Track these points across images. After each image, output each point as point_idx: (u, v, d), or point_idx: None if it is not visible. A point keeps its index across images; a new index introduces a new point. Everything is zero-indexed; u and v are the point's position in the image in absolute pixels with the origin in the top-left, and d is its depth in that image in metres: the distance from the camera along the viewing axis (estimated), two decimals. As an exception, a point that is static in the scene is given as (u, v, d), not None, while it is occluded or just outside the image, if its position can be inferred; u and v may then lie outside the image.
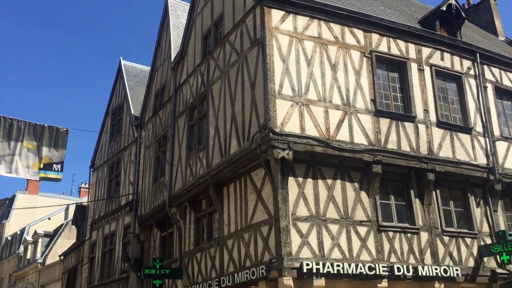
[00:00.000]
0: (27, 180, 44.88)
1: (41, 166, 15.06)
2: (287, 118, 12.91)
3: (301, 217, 12.58)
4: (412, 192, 14.35)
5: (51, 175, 15.19)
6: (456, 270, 13.81)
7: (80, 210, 28.51)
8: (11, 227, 43.63)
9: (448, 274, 13.58)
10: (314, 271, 12.00)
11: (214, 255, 14.88)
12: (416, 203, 14.31)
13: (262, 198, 13.13)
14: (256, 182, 13.54)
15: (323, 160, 13.24)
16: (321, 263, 12.15)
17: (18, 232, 39.74)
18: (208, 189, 15.15)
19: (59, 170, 15.33)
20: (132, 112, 23.46)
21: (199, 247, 15.93)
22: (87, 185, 39.05)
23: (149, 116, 22.05)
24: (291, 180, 12.75)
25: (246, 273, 12.84)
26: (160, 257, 17.64)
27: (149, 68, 24.67)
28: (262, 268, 12.29)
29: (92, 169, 26.81)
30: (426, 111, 15.19)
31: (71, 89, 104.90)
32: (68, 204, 37.69)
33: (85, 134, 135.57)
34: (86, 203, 27.43)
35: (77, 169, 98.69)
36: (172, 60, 20.24)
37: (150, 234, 20.10)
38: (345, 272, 12.33)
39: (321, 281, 12.11)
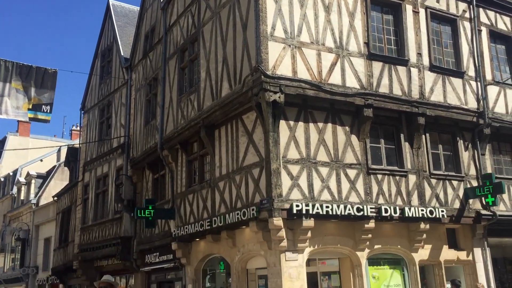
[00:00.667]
0: (18, 122, 44.65)
1: (30, 107, 14.90)
2: (279, 60, 12.77)
3: (291, 159, 12.73)
4: (402, 135, 14.49)
5: (40, 116, 15.07)
6: (442, 211, 14.18)
7: (72, 152, 28.56)
8: (4, 169, 43.76)
9: (434, 215, 13.96)
10: (304, 212, 12.29)
11: (206, 196, 15.13)
12: (406, 146, 14.48)
13: (254, 141, 13.21)
14: (247, 125, 13.57)
15: (315, 103, 13.24)
16: (310, 204, 12.42)
17: (11, 174, 39.92)
18: (199, 132, 15.19)
19: (48, 111, 15.19)
20: (122, 54, 23.05)
21: (191, 189, 16.16)
22: (78, 128, 38.96)
23: (139, 58, 21.69)
24: (282, 123, 12.80)
25: (237, 214, 13.12)
26: (152, 198, 17.90)
27: (138, 8, 24.00)
28: (252, 209, 12.55)
29: (83, 112, 26.64)
30: (419, 54, 15.08)
31: (59, 30, 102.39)
32: (60, 146, 37.74)
33: (75, 76, 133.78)
34: (78, 145, 27.47)
35: (68, 112, 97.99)
36: (161, 0, 19.69)
37: (142, 176, 20.30)
38: (334, 213, 12.64)
39: (310, 222, 12.42)
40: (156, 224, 17.73)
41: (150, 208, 16.68)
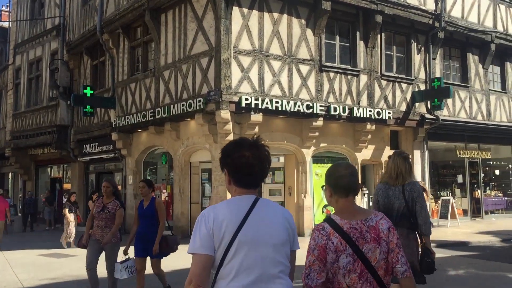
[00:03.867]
0: None
1: None
2: None
3: (243, 50, 12.01)
4: (358, 33, 13.96)
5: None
6: (389, 113, 14.20)
7: (1, 32, 26.14)
8: None
9: (380, 116, 13.96)
10: (253, 106, 11.85)
11: (149, 86, 14.29)
12: (360, 45, 14.03)
13: (203, 28, 12.28)
14: (197, 10, 12.53)
15: (271, -10, 12.31)
16: (260, 99, 11.96)
17: None
18: (144, 15, 13.95)
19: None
20: None
21: (133, 77, 15.20)
22: (8, 9, 35.50)
23: None
24: (235, 10, 11.88)
25: (183, 105, 12.49)
26: (91, 86, 16.75)
27: None
28: (199, 101, 11.95)
29: (11, -13, 23.96)
30: None
31: None
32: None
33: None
34: (8, 24, 25.06)
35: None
36: None
37: (80, 62, 18.91)
38: (284, 109, 12.29)
39: (258, 116, 12.05)
40: (95, 113, 16.82)
41: (88, 95, 15.65)
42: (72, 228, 13.39)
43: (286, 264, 2.29)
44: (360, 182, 2.49)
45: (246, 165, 2.27)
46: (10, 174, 25.36)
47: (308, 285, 2.30)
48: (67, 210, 13.75)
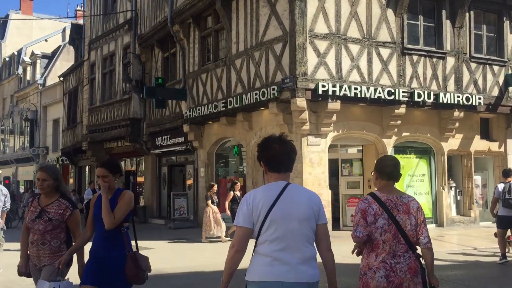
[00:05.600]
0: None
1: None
2: None
3: (319, 34, 11.29)
4: (443, 12, 12.83)
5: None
6: (479, 98, 12.98)
7: (77, 29, 26.90)
8: (8, 48, 42.22)
9: (470, 102, 12.78)
10: (330, 93, 11.12)
11: (220, 75, 13.90)
12: (447, 25, 12.88)
13: (277, 12, 11.66)
14: (270, -7, 11.94)
15: (349, -31, 11.49)
16: (337, 85, 11.21)
17: (15, 53, 38.46)
18: (214, 3, 13.55)
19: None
20: None
21: (204, 68, 14.89)
22: (83, 8, 36.76)
23: None
24: (310, -9, 11.18)
25: (256, 94, 11.97)
26: (162, 77, 16.64)
27: None
28: (273, 89, 11.38)
29: (86, -14, 24.54)
30: None
31: None
32: (64, 18, 35.84)
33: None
34: (82, 22, 25.75)
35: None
36: None
37: (151, 55, 18.92)
38: (363, 95, 11.46)
39: (336, 104, 11.31)
40: (167, 105, 16.71)
41: (160, 84, 15.48)
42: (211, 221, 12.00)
43: (311, 235, 2.83)
44: (400, 172, 3.31)
45: (276, 155, 2.88)
46: (87, 167, 26.12)
47: (356, 236, 3.16)
48: (209, 202, 12.19)
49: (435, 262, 3.38)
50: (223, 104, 13.36)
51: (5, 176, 32.93)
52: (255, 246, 2.81)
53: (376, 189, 3.31)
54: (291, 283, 2.71)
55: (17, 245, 4.79)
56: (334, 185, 12.73)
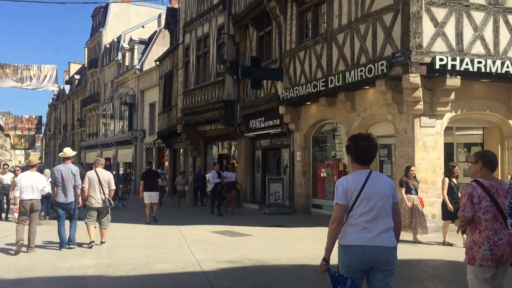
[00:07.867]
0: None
1: None
2: None
3: (437, 1, 9.95)
4: None
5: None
6: None
7: (172, 13, 27.07)
8: (108, 35, 44.12)
9: None
10: (449, 67, 9.78)
11: (320, 53, 12.92)
12: None
13: (387, -23, 10.45)
14: (378, -43, 10.72)
15: None
16: (458, 59, 9.83)
17: (115, 40, 40.00)
18: (314, -26, 12.58)
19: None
20: None
21: (302, 45, 13.98)
22: (177, -7, 37.18)
23: None
24: (428, -49, 9.83)
25: (361, 71, 10.89)
26: (257, 56, 15.97)
27: None
28: (382, 64, 10.24)
29: (181, -31, 24.48)
30: None
31: None
32: (160, 4, 36.49)
33: None
34: (177, 5, 25.80)
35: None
36: None
37: (245, 35, 18.32)
38: (488, 70, 9.97)
39: (455, 81, 9.93)
40: (262, 86, 16.03)
41: (256, 63, 14.81)
42: None
43: (390, 210, 3.55)
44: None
45: (364, 152, 3.62)
46: (181, 150, 26.36)
47: (464, 216, 3.78)
48: (403, 190, 9.14)
49: None
50: (323, 83, 12.40)
51: (106, 157, 34.34)
52: (347, 218, 3.52)
53: (476, 177, 3.90)
54: (375, 247, 3.41)
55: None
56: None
